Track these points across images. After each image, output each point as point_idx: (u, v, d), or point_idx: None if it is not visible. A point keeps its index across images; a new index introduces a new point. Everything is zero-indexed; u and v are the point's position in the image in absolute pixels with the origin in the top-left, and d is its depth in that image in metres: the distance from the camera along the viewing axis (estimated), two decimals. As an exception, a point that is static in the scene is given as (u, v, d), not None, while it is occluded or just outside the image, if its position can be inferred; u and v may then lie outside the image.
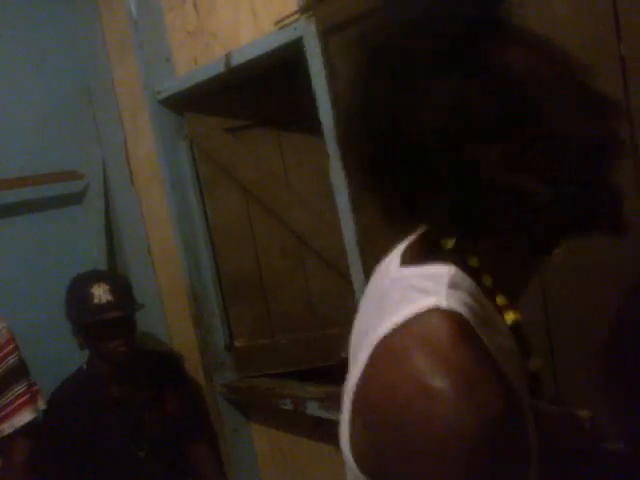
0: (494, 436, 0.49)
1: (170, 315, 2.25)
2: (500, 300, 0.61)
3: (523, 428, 0.55)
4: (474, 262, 0.61)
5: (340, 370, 1.92)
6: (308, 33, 1.43)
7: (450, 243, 0.61)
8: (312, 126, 1.58)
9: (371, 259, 1.47)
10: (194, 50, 1.90)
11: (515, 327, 0.61)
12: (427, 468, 0.50)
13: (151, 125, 2.04)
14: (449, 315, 0.54)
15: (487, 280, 0.60)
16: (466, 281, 0.59)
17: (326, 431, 1.81)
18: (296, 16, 1.47)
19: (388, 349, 0.56)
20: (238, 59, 1.67)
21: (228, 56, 1.69)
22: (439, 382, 0.50)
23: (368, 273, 1.47)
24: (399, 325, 0.56)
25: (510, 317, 0.61)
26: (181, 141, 2.03)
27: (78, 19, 2.28)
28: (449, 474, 0.49)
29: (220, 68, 1.72)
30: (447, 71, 0.55)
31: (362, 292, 1.48)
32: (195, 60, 1.91)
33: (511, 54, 0.56)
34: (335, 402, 1.64)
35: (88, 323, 1.84)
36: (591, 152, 0.57)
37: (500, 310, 0.61)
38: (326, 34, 1.42)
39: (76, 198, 2.32)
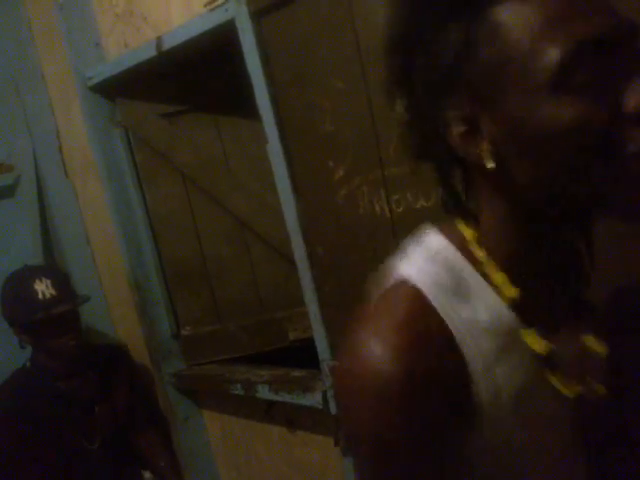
0: (381, 394, 0.55)
1: (113, 306, 2.21)
2: (496, 276, 0.60)
3: (433, 406, 0.56)
4: (469, 235, 0.62)
5: (288, 352, 1.93)
6: (240, 14, 1.41)
7: (460, 221, 0.64)
8: (250, 110, 1.56)
9: (314, 242, 1.47)
10: (124, 34, 1.85)
11: (514, 304, 0.60)
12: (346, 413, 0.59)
13: (82, 113, 1.98)
14: (404, 289, 0.59)
15: (479, 253, 0.61)
16: (449, 253, 0.62)
17: (277, 414, 1.82)
18: (227, -3, 1.45)
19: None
20: (170, 42, 1.63)
21: (159, 39, 1.65)
22: (361, 346, 0.57)
23: (311, 255, 1.49)
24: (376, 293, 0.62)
25: (508, 293, 0.60)
26: (115, 128, 1.97)
27: (0, 7, 2.18)
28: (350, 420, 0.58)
29: (151, 52, 1.68)
30: None
31: (307, 274, 1.50)
32: (126, 44, 1.86)
33: None
34: (284, 384, 1.67)
35: (36, 320, 1.79)
36: None
37: (496, 286, 0.61)
38: (258, 15, 1.40)
39: (7, 191, 2.23)
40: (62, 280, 1.90)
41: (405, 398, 0.54)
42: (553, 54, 0.51)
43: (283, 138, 1.45)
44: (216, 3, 1.48)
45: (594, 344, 0.63)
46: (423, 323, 0.57)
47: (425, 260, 0.61)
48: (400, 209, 1.27)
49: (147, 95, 1.89)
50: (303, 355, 1.70)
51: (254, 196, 1.83)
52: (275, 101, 1.44)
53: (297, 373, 1.71)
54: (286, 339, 1.81)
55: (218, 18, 1.48)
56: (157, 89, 1.88)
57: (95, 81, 1.90)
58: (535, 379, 0.60)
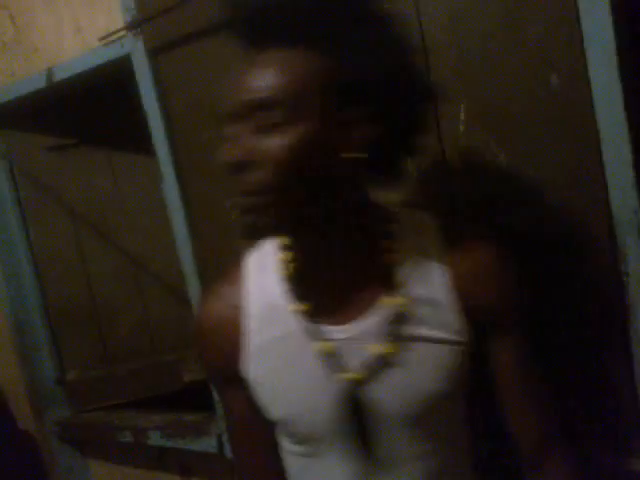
0: (197, 337, 0.88)
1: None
2: (282, 255, 0.81)
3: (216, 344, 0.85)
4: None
5: (182, 395, 1.86)
6: (136, 50, 1.39)
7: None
8: (145, 146, 1.53)
9: (209, 281, 1.45)
10: (12, 63, 1.76)
11: (291, 277, 0.80)
12: None
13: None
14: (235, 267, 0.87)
15: (284, 240, 0.82)
16: (268, 242, 0.84)
17: (171, 461, 1.74)
18: (123, 33, 1.42)
19: None
20: (61, 74, 1.57)
21: (50, 70, 1.59)
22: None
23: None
24: None
25: (285, 270, 0.80)
26: (-1, 161, 1.86)
27: None
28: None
29: (41, 83, 1.61)
30: None
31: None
32: (13, 73, 1.77)
33: None
34: (177, 429, 1.60)
35: None
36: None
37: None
38: (155, 52, 1.38)
39: None
40: None
41: (205, 332, 0.86)
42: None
43: (180, 176, 1.42)
44: (111, 38, 1.44)
45: (391, 301, 0.77)
46: (229, 287, 0.85)
47: (257, 249, 0.86)
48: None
49: (35, 127, 1.81)
50: (198, 398, 1.65)
51: (148, 234, 1.78)
52: (172, 138, 1.41)
53: (190, 417, 1.65)
54: (180, 382, 1.75)
55: (114, 53, 1.45)
56: (47, 121, 1.81)
57: (-23, 111, 1.79)
58: (302, 343, 0.78)
